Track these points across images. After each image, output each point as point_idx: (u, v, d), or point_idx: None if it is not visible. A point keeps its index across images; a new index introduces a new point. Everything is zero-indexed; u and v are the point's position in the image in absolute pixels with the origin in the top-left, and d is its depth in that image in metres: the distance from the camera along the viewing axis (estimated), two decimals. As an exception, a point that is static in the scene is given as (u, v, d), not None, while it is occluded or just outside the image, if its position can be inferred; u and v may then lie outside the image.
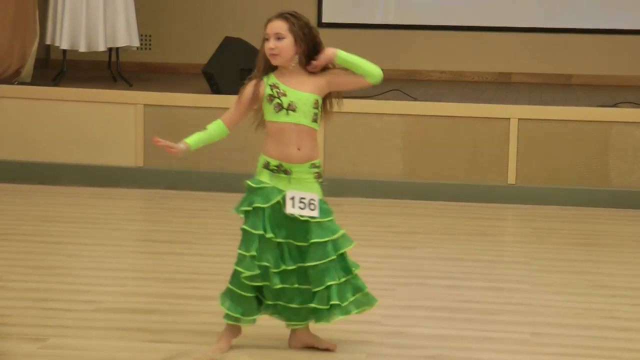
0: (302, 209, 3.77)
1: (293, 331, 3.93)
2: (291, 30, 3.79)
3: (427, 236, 5.84)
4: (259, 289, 3.85)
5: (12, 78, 7.45)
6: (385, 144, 6.87)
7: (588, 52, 8.66)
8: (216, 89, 7.11)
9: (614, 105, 6.89)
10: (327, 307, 3.79)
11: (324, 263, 3.78)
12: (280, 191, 3.79)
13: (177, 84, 7.83)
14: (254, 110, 3.86)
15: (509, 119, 6.74)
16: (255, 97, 3.82)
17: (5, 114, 7.22)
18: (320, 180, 3.87)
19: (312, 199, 3.79)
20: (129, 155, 7.05)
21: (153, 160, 7.06)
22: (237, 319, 3.85)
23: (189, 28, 8.97)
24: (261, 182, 3.81)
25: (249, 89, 3.84)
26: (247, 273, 3.79)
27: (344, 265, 3.85)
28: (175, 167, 7.02)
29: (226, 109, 3.95)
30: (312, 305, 3.80)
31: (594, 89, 8.24)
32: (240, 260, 3.81)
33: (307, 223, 3.78)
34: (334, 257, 3.80)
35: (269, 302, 3.86)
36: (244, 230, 3.82)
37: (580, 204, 6.63)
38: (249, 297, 3.83)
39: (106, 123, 7.09)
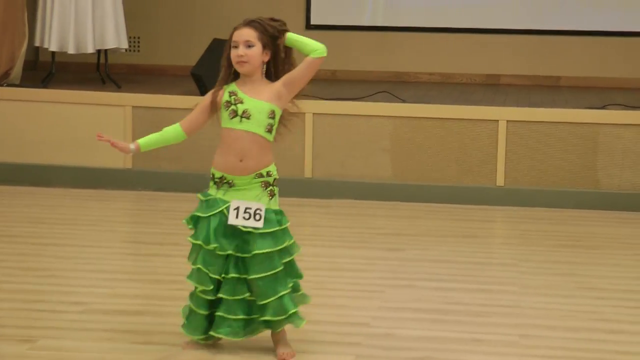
0: (246, 219, 3.74)
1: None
2: (260, 39, 3.78)
3: (416, 238, 5.86)
4: (212, 306, 3.83)
5: (1, 80, 7.44)
6: (374, 146, 6.89)
7: (577, 54, 8.69)
8: (204, 91, 7.09)
9: (603, 107, 6.92)
10: (285, 316, 3.80)
11: (272, 274, 3.77)
12: (225, 202, 3.78)
13: (166, 85, 7.83)
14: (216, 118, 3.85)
15: (498, 121, 6.77)
16: (215, 104, 3.81)
17: (-6, 115, 7.22)
18: (270, 189, 3.81)
19: (258, 209, 3.75)
20: (118, 157, 7.04)
21: (142, 162, 7.07)
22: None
23: (178, 30, 8.98)
24: (209, 194, 3.82)
25: (209, 96, 3.84)
26: (201, 287, 3.80)
27: (290, 271, 3.85)
28: (164, 169, 7.03)
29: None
30: (266, 318, 3.79)
31: (583, 90, 8.26)
32: (192, 273, 3.84)
33: (251, 234, 3.76)
34: (280, 268, 3.78)
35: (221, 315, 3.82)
36: (190, 241, 3.83)
37: (568, 206, 6.65)
38: (200, 314, 3.83)
39: (95, 125, 7.09)
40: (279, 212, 3.83)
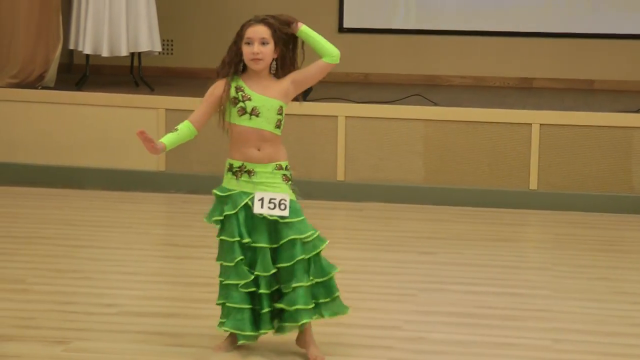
0: (271, 209, 3.75)
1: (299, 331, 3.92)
2: (273, 36, 3.81)
3: (448, 241, 5.84)
4: (253, 300, 3.82)
5: (35, 83, 7.50)
6: (406, 149, 6.88)
7: (611, 58, 8.63)
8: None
9: (637, 111, 6.86)
10: (293, 309, 3.77)
11: (291, 264, 3.76)
12: (248, 194, 3.79)
13: (199, 88, 7.76)
14: (219, 111, 3.85)
15: (531, 124, 6.73)
16: (221, 98, 3.82)
17: (29, 118, 7.27)
18: (289, 183, 3.83)
19: (282, 199, 3.77)
20: (151, 160, 7.08)
21: (175, 165, 7.10)
22: (247, 338, 3.84)
23: (211, 33, 9.01)
24: (227, 189, 3.83)
25: (215, 90, 3.84)
26: (242, 281, 3.78)
27: (316, 266, 3.82)
28: (196, 172, 7.05)
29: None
30: (280, 305, 3.79)
31: (617, 94, 8.21)
32: (227, 271, 3.81)
33: (277, 224, 3.76)
34: (300, 257, 3.76)
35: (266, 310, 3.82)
36: (221, 240, 3.82)
37: (602, 210, 6.61)
38: (245, 309, 3.81)
39: (128, 127, 7.12)
40: (297, 203, 3.83)
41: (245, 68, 3.86)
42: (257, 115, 3.79)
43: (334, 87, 8.09)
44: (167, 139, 3.84)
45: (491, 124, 6.79)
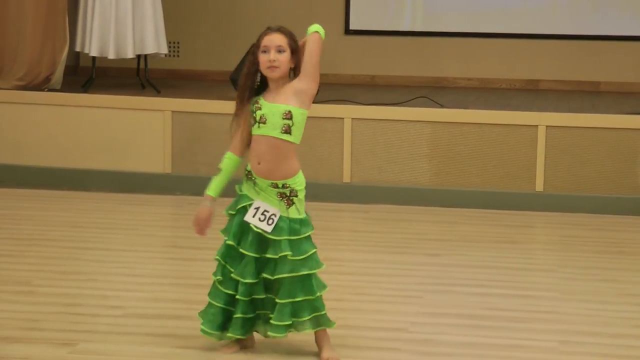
0: (260, 220, 3.79)
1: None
2: (289, 45, 3.81)
3: (455, 243, 5.83)
4: (231, 302, 3.86)
5: (42, 85, 7.51)
6: (413, 151, 6.86)
7: (617, 59, 8.61)
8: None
9: (643, 113, 6.85)
10: (277, 323, 3.79)
11: (282, 278, 3.78)
12: (251, 200, 3.84)
13: (205, 90, 7.86)
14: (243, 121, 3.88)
15: (537, 126, 6.72)
16: (245, 116, 3.86)
17: (36, 120, 7.27)
18: (284, 200, 3.81)
19: (273, 214, 3.79)
20: (157, 162, 7.08)
21: (181, 167, 7.09)
22: (206, 333, 3.89)
23: (217, 35, 9.01)
24: (240, 189, 3.91)
25: (242, 112, 3.84)
26: (219, 277, 3.89)
27: (306, 284, 3.82)
28: (202, 174, 7.04)
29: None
30: (269, 314, 3.83)
31: (623, 96, 8.19)
32: (216, 267, 3.93)
33: (267, 237, 3.79)
34: (287, 274, 3.77)
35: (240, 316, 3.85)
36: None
37: (609, 211, 6.59)
38: (216, 307, 3.87)
39: (134, 129, 7.13)
40: (297, 221, 3.82)
41: (264, 82, 3.84)
42: (264, 123, 3.80)
43: (341, 89, 8.09)
44: (213, 189, 3.95)
45: (497, 126, 6.78)
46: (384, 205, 6.76)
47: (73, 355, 3.90)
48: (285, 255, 3.77)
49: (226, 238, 3.88)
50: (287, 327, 3.82)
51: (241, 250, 3.83)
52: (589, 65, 8.66)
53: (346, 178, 6.92)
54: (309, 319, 3.84)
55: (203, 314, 3.94)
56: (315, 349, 3.90)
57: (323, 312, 3.86)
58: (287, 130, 3.80)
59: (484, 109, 6.97)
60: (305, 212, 3.86)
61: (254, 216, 3.80)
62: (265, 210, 3.80)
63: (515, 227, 6.31)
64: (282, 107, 3.79)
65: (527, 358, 3.97)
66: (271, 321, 3.81)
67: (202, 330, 3.91)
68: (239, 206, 3.86)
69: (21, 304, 4.52)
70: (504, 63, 8.76)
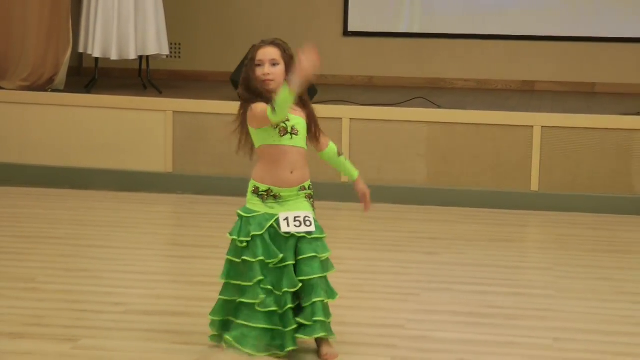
0: (297, 227, 3.76)
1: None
2: (283, 57, 3.79)
3: (451, 242, 5.83)
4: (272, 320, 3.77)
5: (46, 85, 7.51)
6: (410, 151, 6.87)
7: (612, 61, 8.62)
8: (244, 96, 7.13)
9: (638, 114, 6.85)
10: (311, 323, 3.76)
11: (313, 279, 3.76)
12: (272, 215, 3.78)
13: (206, 91, 7.86)
14: (244, 135, 3.83)
15: (533, 126, 6.73)
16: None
17: (39, 120, 7.28)
18: (311, 200, 3.85)
19: (306, 216, 3.78)
20: (159, 161, 7.08)
21: (182, 167, 7.10)
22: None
23: (218, 37, 9.01)
24: (252, 210, 3.81)
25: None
26: (258, 301, 3.74)
27: (327, 286, 3.83)
28: (203, 173, 7.05)
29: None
30: (299, 319, 3.77)
31: (618, 97, 8.20)
32: (242, 290, 3.77)
33: (298, 241, 3.76)
34: (320, 274, 3.78)
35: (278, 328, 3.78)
36: (243, 260, 3.77)
37: (603, 211, 6.60)
38: (269, 329, 3.76)
39: (136, 129, 7.13)
40: (318, 222, 3.85)
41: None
42: (296, 134, 3.80)
43: (339, 89, 8.10)
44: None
45: (493, 127, 6.78)
46: (381, 204, 6.75)
47: (76, 350, 3.90)
48: (324, 255, 3.79)
49: (254, 259, 3.75)
50: (326, 326, 3.77)
51: (281, 264, 3.75)
52: (584, 67, 8.67)
53: (344, 177, 6.92)
54: (329, 322, 3.82)
55: (250, 342, 3.76)
56: (314, 345, 3.91)
57: (331, 319, 3.86)
58: (306, 142, 3.87)
59: (481, 110, 6.98)
60: None
61: (288, 226, 3.76)
62: (296, 217, 3.77)
63: (511, 226, 6.31)
64: (304, 121, 3.83)
65: (523, 355, 3.98)
66: (304, 322, 3.74)
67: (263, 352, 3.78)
68: (265, 227, 3.76)
69: (25, 301, 4.53)
70: (501, 64, 8.77)
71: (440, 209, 6.68)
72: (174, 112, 7.09)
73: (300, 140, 3.81)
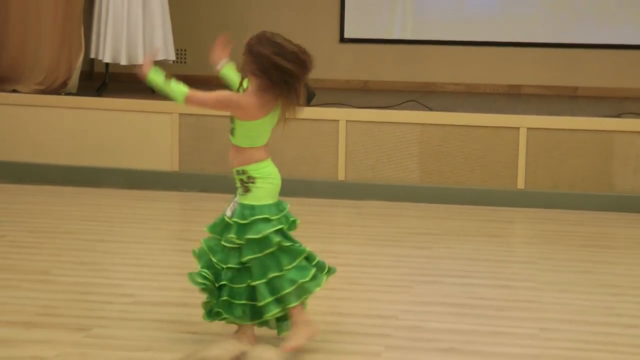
0: (230, 210, 3.82)
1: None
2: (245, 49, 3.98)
3: (442, 237, 5.83)
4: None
5: (59, 89, 7.51)
6: (403, 151, 6.87)
7: (593, 66, 8.62)
8: (247, 100, 7.12)
9: (618, 116, 6.86)
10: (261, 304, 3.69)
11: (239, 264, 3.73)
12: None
13: (211, 94, 7.84)
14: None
15: (519, 128, 6.73)
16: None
17: (53, 122, 7.27)
18: (243, 187, 3.78)
19: (235, 202, 3.82)
20: (166, 160, 7.08)
21: (188, 165, 7.09)
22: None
23: (222, 43, 8.99)
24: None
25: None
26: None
27: (275, 261, 3.69)
28: (208, 172, 7.05)
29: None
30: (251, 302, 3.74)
31: (599, 100, 8.20)
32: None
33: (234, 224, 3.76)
34: (245, 258, 3.70)
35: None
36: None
37: (585, 207, 6.60)
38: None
39: (145, 130, 7.13)
40: (248, 207, 3.76)
41: None
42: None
43: (336, 93, 8.09)
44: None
45: (482, 128, 6.78)
46: (376, 201, 6.76)
47: (87, 339, 3.90)
48: (237, 240, 3.81)
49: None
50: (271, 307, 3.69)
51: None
52: (568, 72, 8.67)
53: (341, 176, 6.92)
54: (291, 292, 3.68)
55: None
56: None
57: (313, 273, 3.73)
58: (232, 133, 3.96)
59: (470, 112, 6.98)
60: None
61: (229, 209, 3.85)
62: (235, 202, 3.88)
63: (498, 222, 6.31)
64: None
65: (509, 344, 3.98)
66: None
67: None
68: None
69: (40, 292, 4.52)
70: (489, 69, 8.77)
71: (432, 206, 6.68)
72: (180, 114, 7.09)
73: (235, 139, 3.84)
